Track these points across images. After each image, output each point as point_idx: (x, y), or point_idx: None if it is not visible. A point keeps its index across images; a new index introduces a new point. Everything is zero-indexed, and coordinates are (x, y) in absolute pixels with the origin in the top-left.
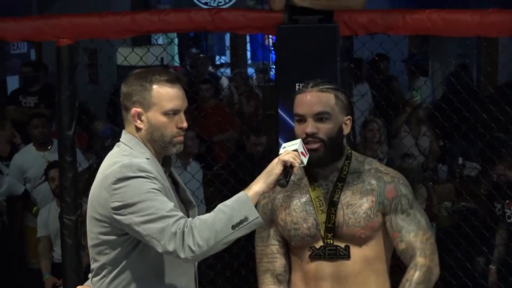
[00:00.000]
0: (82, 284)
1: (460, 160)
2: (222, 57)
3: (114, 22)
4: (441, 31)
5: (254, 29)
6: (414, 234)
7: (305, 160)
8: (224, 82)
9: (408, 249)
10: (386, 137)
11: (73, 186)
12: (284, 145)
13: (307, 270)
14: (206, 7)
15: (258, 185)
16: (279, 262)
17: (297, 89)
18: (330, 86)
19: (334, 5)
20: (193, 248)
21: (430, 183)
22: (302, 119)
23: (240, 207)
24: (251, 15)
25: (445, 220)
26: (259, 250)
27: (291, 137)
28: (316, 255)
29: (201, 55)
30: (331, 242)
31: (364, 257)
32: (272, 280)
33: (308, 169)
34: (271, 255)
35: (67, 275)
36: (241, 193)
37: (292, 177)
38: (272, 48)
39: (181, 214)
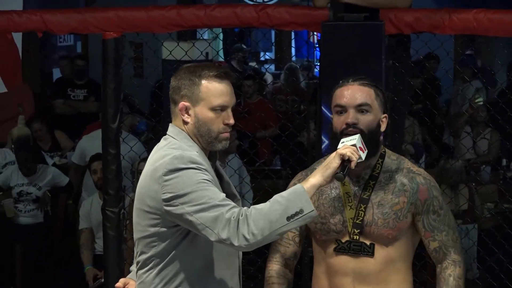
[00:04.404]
0: (123, 276)
1: (504, 162)
2: (267, 53)
3: (160, 16)
4: (487, 31)
5: (299, 26)
6: (446, 233)
7: (363, 155)
8: (268, 78)
9: (442, 248)
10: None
11: (117, 179)
12: (342, 140)
13: (330, 264)
14: (252, 3)
15: (315, 178)
16: (291, 249)
17: (338, 85)
18: (370, 82)
19: (380, 3)
20: (247, 236)
21: (473, 184)
22: (342, 110)
23: (296, 199)
24: (296, 12)
25: (488, 222)
26: None
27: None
28: (341, 249)
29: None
30: (357, 238)
31: (388, 257)
32: (281, 260)
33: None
34: (286, 240)
35: (109, 267)
36: (298, 185)
37: None
38: (317, 45)
39: (233, 203)
